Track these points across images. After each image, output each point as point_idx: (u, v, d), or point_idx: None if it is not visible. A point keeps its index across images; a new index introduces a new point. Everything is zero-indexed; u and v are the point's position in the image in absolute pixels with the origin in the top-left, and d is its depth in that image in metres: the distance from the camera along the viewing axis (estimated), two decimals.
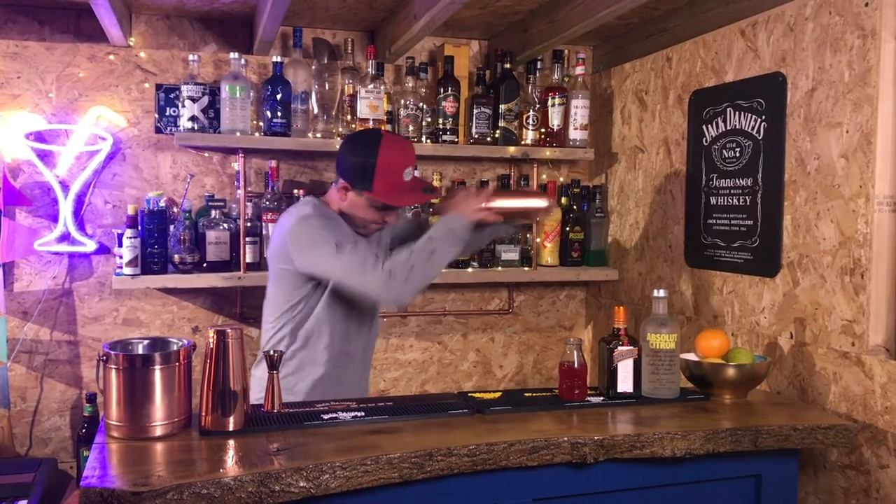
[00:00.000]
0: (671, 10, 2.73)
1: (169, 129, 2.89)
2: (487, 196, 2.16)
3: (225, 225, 2.75)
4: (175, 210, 2.84)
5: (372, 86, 2.81)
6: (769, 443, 1.85)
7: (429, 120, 2.95)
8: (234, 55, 2.73)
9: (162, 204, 2.72)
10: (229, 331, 1.73)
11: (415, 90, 2.92)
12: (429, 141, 2.94)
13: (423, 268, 2.04)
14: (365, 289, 2.05)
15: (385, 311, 3.18)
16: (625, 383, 2.04)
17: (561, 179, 3.29)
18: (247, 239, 2.74)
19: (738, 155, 2.45)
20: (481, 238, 2.34)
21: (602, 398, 2.05)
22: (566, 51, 3.10)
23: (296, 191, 2.84)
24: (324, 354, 2.21)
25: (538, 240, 3.09)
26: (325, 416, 1.84)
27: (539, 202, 2.24)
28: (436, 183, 2.96)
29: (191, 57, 2.75)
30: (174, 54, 2.90)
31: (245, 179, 2.81)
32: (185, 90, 2.71)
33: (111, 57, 2.84)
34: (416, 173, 2.22)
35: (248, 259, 2.74)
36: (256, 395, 2.03)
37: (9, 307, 2.78)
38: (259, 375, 2.18)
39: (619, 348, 2.03)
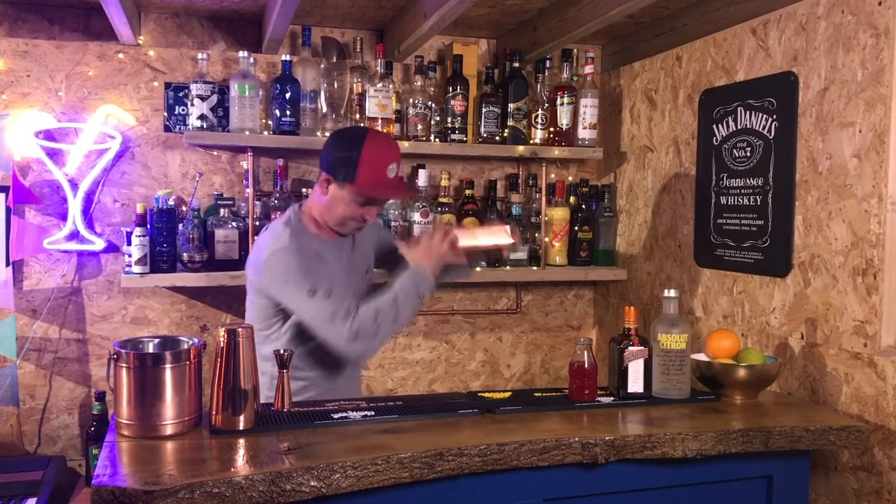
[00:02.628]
0: (681, 8, 2.72)
1: (178, 127, 2.89)
2: (451, 240, 2.17)
3: (234, 223, 2.75)
4: (184, 209, 2.84)
5: (381, 84, 2.80)
6: (781, 444, 1.84)
7: (437, 119, 2.94)
8: (243, 54, 2.73)
9: (171, 202, 2.72)
10: (240, 330, 1.73)
11: (423, 89, 2.91)
12: (437, 140, 2.94)
13: (387, 327, 2.06)
14: (330, 341, 2.05)
15: None
16: (635, 383, 2.03)
17: (570, 178, 3.28)
18: (255, 238, 2.73)
19: (748, 154, 2.44)
20: (441, 280, 2.32)
21: (612, 398, 2.04)
22: (575, 50, 3.09)
23: (304, 189, 2.84)
24: (306, 361, 2.17)
25: (546, 239, 3.08)
26: (335, 416, 1.84)
27: (502, 239, 2.22)
28: (444, 182, 2.96)
29: (200, 55, 2.75)
30: (183, 53, 2.90)
31: (254, 178, 2.81)
32: (194, 89, 2.71)
33: (120, 55, 2.84)
34: (400, 172, 2.20)
35: None
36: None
37: (18, 305, 2.78)
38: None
39: (630, 348, 2.02)
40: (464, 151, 2.96)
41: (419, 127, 2.89)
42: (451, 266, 2.25)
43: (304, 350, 2.14)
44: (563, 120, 3.00)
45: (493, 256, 2.93)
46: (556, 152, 3.00)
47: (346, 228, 2.19)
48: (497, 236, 2.23)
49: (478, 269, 2.97)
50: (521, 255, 3.03)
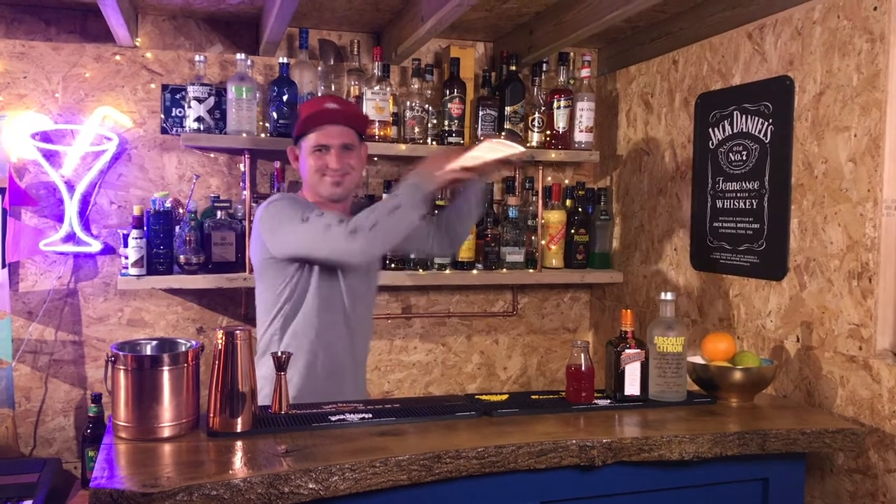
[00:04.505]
0: (677, 13, 2.73)
1: (175, 129, 2.89)
2: (457, 154, 2.06)
3: (230, 226, 2.75)
4: (181, 211, 2.84)
5: (378, 87, 2.81)
6: (777, 446, 1.85)
7: (434, 122, 2.95)
8: (240, 56, 2.73)
9: (167, 204, 2.72)
10: (238, 332, 1.73)
11: (420, 92, 2.92)
12: (434, 142, 2.94)
13: (386, 223, 1.96)
14: (331, 248, 2.00)
15: (389, 313, 3.18)
16: (632, 386, 2.04)
17: (566, 182, 3.29)
18: (251, 237, 2.73)
19: (744, 158, 2.45)
20: (467, 201, 2.28)
21: (609, 401, 2.05)
22: (572, 53, 3.10)
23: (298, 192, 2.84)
24: (316, 343, 2.18)
25: (543, 242, 3.09)
26: (333, 418, 1.84)
27: (509, 151, 2.10)
28: None
29: (197, 58, 2.75)
30: (180, 55, 2.90)
31: (251, 180, 2.82)
32: (191, 91, 2.71)
33: (117, 57, 2.84)
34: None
35: None
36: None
37: (14, 307, 2.78)
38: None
39: (627, 351, 2.03)
40: None
41: (416, 130, 2.90)
42: (463, 185, 2.20)
43: (312, 327, 2.17)
44: (560, 123, 3.00)
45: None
46: (553, 155, 3.00)
47: (324, 187, 2.18)
48: (501, 149, 2.11)
49: (475, 271, 2.98)
50: (518, 257, 3.04)
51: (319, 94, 2.26)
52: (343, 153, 2.17)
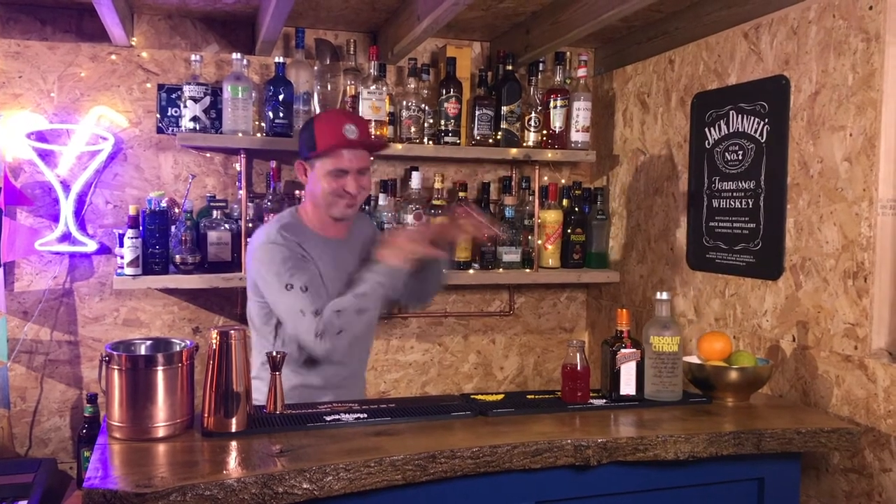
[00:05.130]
0: (674, 12, 2.73)
1: (171, 129, 2.89)
2: (421, 234, 2.18)
3: (226, 225, 2.75)
4: (176, 210, 2.83)
5: (374, 87, 2.80)
6: (772, 446, 1.85)
7: (431, 121, 2.95)
8: (236, 55, 2.73)
9: (163, 204, 2.71)
10: (232, 332, 1.73)
11: (417, 91, 2.92)
12: (431, 142, 2.94)
13: (352, 326, 2.07)
14: (299, 335, 2.08)
15: (385, 313, 3.18)
16: (627, 386, 2.04)
17: (562, 181, 3.29)
18: (248, 240, 2.73)
19: (740, 158, 2.45)
20: (433, 276, 2.34)
21: (605, 401, 2.04)
22: (568, 53, 3.10)
23: (297, 192, 2.84)
24: (308, 359, 2.18)
25: (539, 242, 3.09)
26: (328, 418, 1.84)
27: (473, 228, 2.23)
28: (437, 185, 2.95)
29: (193, 57, 2.74)
30: (176, 54, 2.90)
31: (247, 180, 2.81)
32: (187, 90, 2.70)
33: (113, 57, 2.84)
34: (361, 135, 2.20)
35: None
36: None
37: (9, 307, 2.77)
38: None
39: (622, 351, 2.03)
40: (457, 154, 2.96)
41: (412, 129, 2.89)
42: (430, 261, 2.24)
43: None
44: (556, 123, 3.00)
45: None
46: (549, 155, 3.00)
47: (338, 208, 2.19)
48: (463, 226, 2.22)
49: (471, 271, 2.98)
50: (515, 257, 3.04)
51: (333, 109, 2.21)
52: (359, 177, 2.19)
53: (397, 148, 2.86)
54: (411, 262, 2.15)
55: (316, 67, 2.89)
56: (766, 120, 2.34)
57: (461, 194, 2.99)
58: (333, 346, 2.05)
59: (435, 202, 2.95)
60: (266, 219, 2.76)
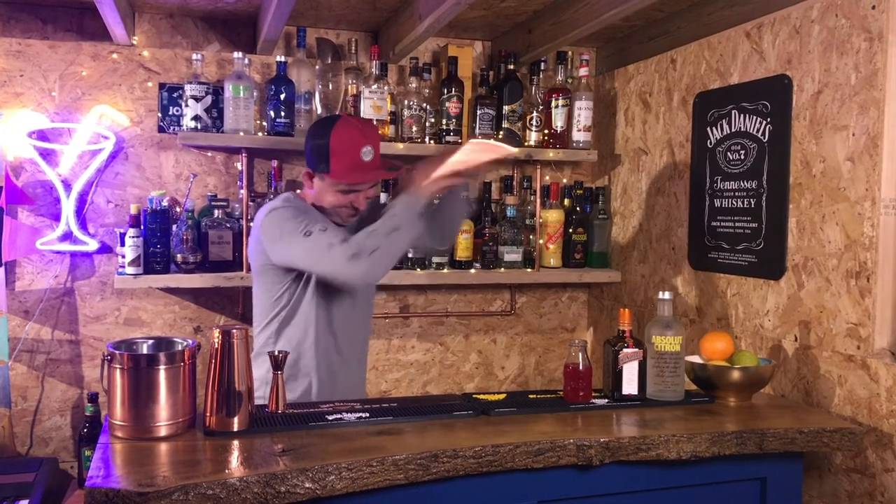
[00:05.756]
0: (675, 12, 2.73)
1: (172, 128, 2.89)
2: (445, 158, 2.08)
3: (228, 225, 2.75)
4: (178, 209, 2.83)
5: (375, 86, 2.80)
6: (774, 446, 1.85)
7: (432, 121, 2.94)
8: (237, 54, 2.72)
9: (164, 203, 2.71)
10: (234, 331, 1.73)
11: (418, 91, 2.92)
12: (432, 142, 2.94)
13: (387, 246, 1.99)
14: (332, 269, 2.01)
15: (386, 312, 3.18)
16: (629, 385, 2.04)
17: (564, 181, 3.29)
18: (249, 239, 2.73)
19: (742, 157, 2.44)
20: (455, 204, 2.28)
21: (607, 400, 2.04)
22: (570, 52, 3.10)
23: (298, 191, 2.83)
24: (311, 353, 2.18)
25: (541, 241, 3.09)
26: (330, 417, 1.84)
27: (497, 151, 2.12)
28: None
29: (194, 56, 2.74)
30: (177, 53, 2.90)
31: (248, 179, 2.81)
32: (189, 89, 2.70)
33: (114, 56, 2.83)
34: (378, 153, 2.17)
35: None
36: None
37: (10, 306, 2.77)
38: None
39: (625, 350, 2.03)
40: None
41: (414, 129, 2.89)
42: (452, 189, 2.19)
43: (310, 330, 2.17)
44: (558, 122, 3.00)
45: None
46: (551, 154, 3.00)
47: (341, 218, 2.20)
48: (487, 149, 2.13)
49: (472, 270, 2.98)
50: (516, 256, 3.03)
51: (347, 120, 2.14)
52: (368, 191, 2.19)
53: (399, 147, 2.85)
54: (437, 188, 2.09)
55: (317, 67, 2.89)
56: (769, 119, 2.33)
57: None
58: (370, 266, 1.97)
59: (436, 201, 2.94)
60: None
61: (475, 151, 2.10)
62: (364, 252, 1.96)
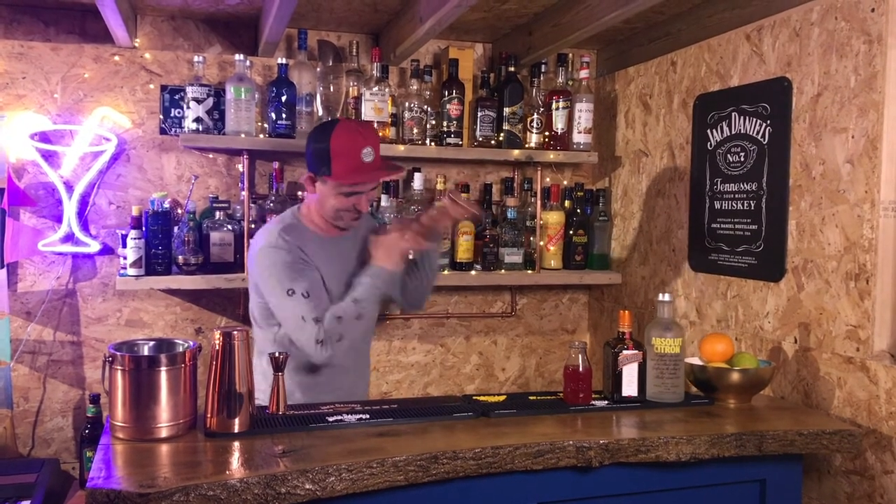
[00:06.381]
0: (676, 14, 2.73)
1: (173, 130, 2.90)
2: (409, 233, 2.18)
3: (229, 226, 2.75)
4: (179, 211, 2.84)
5: (376, 88, 2.81)
6: (774, 447, 1.85)
7: (433, 122, 2.95)
8: (238, 57, 2.73)
9: (166, 205, 2.72)
10: (235, 332, 1.74)
11: (419, 93, 2.92)
12: (433, 143, 2.95)
13: (351, 331, 2.11)
14: (299, 342, 2.11)
15: (387, 314, 3.18)
16: (629, 387, 2.04)
17: (565, 183, 3.29)
18: (250, 241, 2.73)
19: (742, 159, 2.45)
20: (431, 263, 2.37)
21: (606, 402, 2.05)
22: (570, 54, 3.11)
23: (300, 193, 2.85)
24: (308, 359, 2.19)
25: (542, 243, 3.09)
26: (330, 419, 1.84)
27: (459, 214, 2.23)
28: (439, 186, 2.96)
29: (196, 58, 2.75)
30: (179, 55, 2.91)
31: (249, 181, 2.82)
32: (190, 91, 2.71)
33: (116, 58, 2.84)
34: (379, 155, 2.20)
35: None
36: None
37: (12, 307, 2.78)
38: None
39: (624, 352, 2.03)
40: (459, 155, 2.97)
41: (415, 131, 2.90)
42: (423, 255, 2.29)
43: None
44: (559, 124, 3.00)
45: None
46: (552, 156, 3.00)
47: (344, 221, 2.22)
48: (451, 214, 2.23)
49: (473, 272, 2.98)
50: (517, 258, 3.04)
51: (347, 123, 2.20)
52: (370, 193, 2.21)
53: (399, 149, 2.86)
54: (404, 260, 2.19)
55: (318, 69, 2.90)
56: (768, 122, 2.34)
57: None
58: (334, 351, 2.09)
59: (437, 204, 2.95)
60: (268, 219, 2.77)
61: (443, 212, 2.22)
62: (330, 340, 2.08)
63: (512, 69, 3.01)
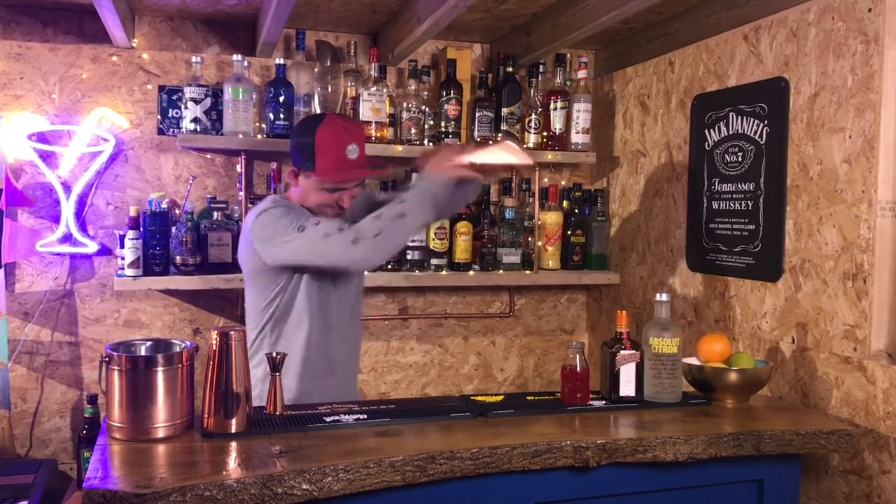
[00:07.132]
0: (674, 14, 2.73)
1: (171, 130, 2.89)
2: (469, 152, 2.05)
3: (227, 227, 2.75)
4: (177, 212, 2.84)
5: (374, 88, 2.81)
6: (771, 447, 1.85)
7: (431, 123, 2.95)
8: (236, 57, 2.73)
9: (164, 205, 2.72)
10: (232, 333, 1.73)
11: (417, 93, 2.92)
12: (431, 144, 2.95)
13: (392, 231, 1.97)
14: (332, 257, 2.01)
15: (385, 314, 3.18)
16: (627, 387, 2.04)
17: (563, 183, 3.29)
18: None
19: (740, 159, 2.45)
20: (463, 195, 2.22)
21: (604, 402, 2.04)
22: (568, 54, 3.11)
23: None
24: (305, 351, 2.19)
25: (540, 243, 3.09)
26: (328, 419, 1.84)
27: (521, 159, 2.08)
28: None
29: (193, 59, 2.75)
30: (177, 56, 2.91)
31: (247, 181, 2.82)
32: (188, 92, 2.71)
33: (114, 58, 2.84)
34: (364, 152, 2.17)
35: None
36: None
37: (10, 308, 2.78)
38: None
39: (622, 352, 2.03)
40: None
41: (413, 131, 2.90)
42: (464, 182, 2.12)
43: (303, 329, 2.17)
44: (557, 124, 3.01)
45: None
46: (550, 157, 3.01)
47: (327, 216, 2.18)
48: (515, 155, 2.09)
49: (471, 272, 2.98)
50: (515, 258, 3.04)
51: (333, 117, 2.15)
52: (354, 190, 2.19)
53: (397, 150, 2.86)
54: (453, 176, 2.03)
55: (316, 69, 2.90)
56: (766, 122, 2.34)
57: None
58: (371, 251, 1.96)
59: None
60: None
61: (503, 152, 2.07)
62: (365, 237, 1.95)
63: (510, 69, 3.01)
